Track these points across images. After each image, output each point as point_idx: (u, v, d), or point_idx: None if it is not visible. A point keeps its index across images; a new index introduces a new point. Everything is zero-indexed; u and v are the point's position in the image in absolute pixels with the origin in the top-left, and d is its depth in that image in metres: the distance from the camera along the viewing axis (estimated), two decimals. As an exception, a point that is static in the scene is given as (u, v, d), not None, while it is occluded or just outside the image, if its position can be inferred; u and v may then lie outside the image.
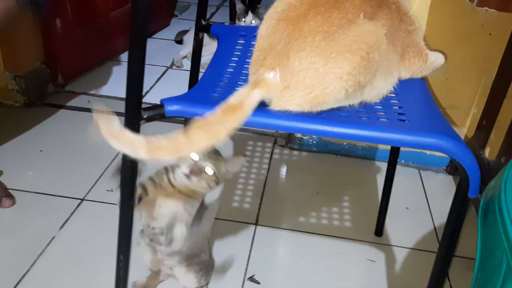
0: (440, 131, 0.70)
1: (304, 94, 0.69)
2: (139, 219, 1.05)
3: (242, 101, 0.69)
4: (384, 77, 0.75)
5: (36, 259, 1.21)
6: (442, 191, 1.59)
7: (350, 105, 0.76)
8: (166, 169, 1.00)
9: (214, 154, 0.98)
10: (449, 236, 0.75)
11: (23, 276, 1.16)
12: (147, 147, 0.66)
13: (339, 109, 0.74)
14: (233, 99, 0.70)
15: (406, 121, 0.74)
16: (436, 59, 0.88)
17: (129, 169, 0.76)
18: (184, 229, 1.01)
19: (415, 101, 0.83)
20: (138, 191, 0.97)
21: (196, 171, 0.95)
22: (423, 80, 0.91)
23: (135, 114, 0.71)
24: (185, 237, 1.00)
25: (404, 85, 0.84)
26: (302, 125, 0.70)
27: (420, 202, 1.53)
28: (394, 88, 0.79)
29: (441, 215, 1.47)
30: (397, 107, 0.79)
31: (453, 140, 0.67)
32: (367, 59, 0.69)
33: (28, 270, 1.18)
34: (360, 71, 0.69)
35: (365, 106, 0.78)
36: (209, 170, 0.96)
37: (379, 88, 0.75)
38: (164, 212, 1.00)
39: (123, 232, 0.84)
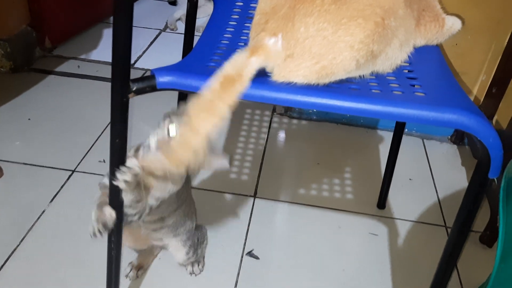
0: (460, 105, 0.63)
1: (310, 65, 0.62)
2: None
3: (240, 71, 0.62)
4: (400, 46, 0.67)
5: (25, 234, 1.17)
6: (446, 161, 1.54)
7: (360, 76, 0.69)
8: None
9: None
10: (463, 219, 0.69)
11: (12, 252, 1.12)
12: (169, 159, 0.62)
13: (348, 80, 0.67)
14: (229, 68, 0.63)
15: (422, 94, 0.67)
16: (453, 24, 0.80)
17: (118, 146, 0.69)
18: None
19: (430, 71, 0.76)
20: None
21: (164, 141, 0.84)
22: (438, 47, 0.83)
23: (123, 86, 0.64)
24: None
25: (417, 53, 0.76)
26: (308, 99, 0.63)
27: (424, 173, 1.48)
28: (409, 57, 0.72)
29: (446, 187, 1.43)
30: (412, 78, 0.72)
31: (475, 116, 0.61)
32: (382, 25, 0.61)
33: (18, 245, 1.14)
34: (374, 39, 0.61)
35: (377, 76, 0.71)
36: (172, 130, 0.85)
37: (394, 57, 0.68)
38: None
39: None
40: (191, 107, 0.62)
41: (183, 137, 0.62)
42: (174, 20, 2.24)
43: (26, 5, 1.79)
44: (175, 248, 1.06)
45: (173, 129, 0.85)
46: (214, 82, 0.62)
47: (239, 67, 0.62)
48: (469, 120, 0.61)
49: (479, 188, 0.66)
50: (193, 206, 1.09)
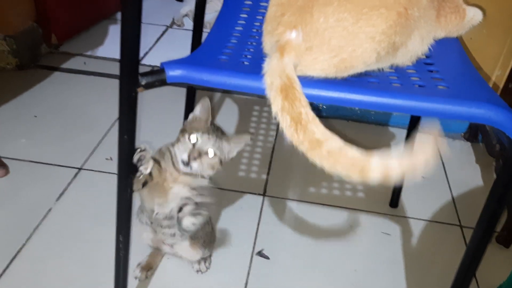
0: (487, 99, 0.60)
1: (329, 58, 0.59)
2: (141, 202, 0.98)
3: (287, 75, 0.59)
4: (421, 37, 0.64)
5: (31, 233, 1.15)
6: (460, 159, 1.50)
7: (379, 69, 0.66)
8: (169, 150, 0.92)
9: (215, 133, 0.89)
10: (488, 221, 0.66)
11: (18, 251, 1.10)
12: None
13: (367, 73, 0.65)
14: (276, 79, 0.59)
15: (445, 88, 0.64)
16: (474, 15, 0.77)
17: (126, 143, 0.67)
18: (193, 219, 0.91)
19: (452, 64, 0.73)
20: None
21: (195, 155, 0.86)
22: (457, 39, 0.80)
23: (131, 81, 0.62)
24: (194, 224, 0.91)
25: (437, 46, 0.73)
26: (326, 93, 0.60)
27: (437, 171, 1.45)
28: (429, 49, 0.69)
29: (459, 185, 1.39)
30: (433, 71, 0.69)
31: (503, 111, 0.58)
32: (405, 16, 0.58)
33: (24, 244, 1.12)
34: (396, 30, 0.58)
35: (396, 70, 0.68)
36: (211, 152, 0.88)
37: (414, 50, 0.65)
38: (170, 200, 0.91)
39: (122, 211, 0.76)
40: (290, 138, 0.58)
41: (324, 158, 0.58)
42: (180, 16, 2.21)
43: (32, 1, 1.76)
44: (190, 250, 1.04)
45: (193, 137, 0.87)
46: (277, 101, 0.58)
47: (282, 72, 0.59)
48: (497, 114, 0.58)
49: (505, 187, 0.63)
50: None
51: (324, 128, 0.58)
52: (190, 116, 0.90)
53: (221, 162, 0.90)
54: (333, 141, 0.58)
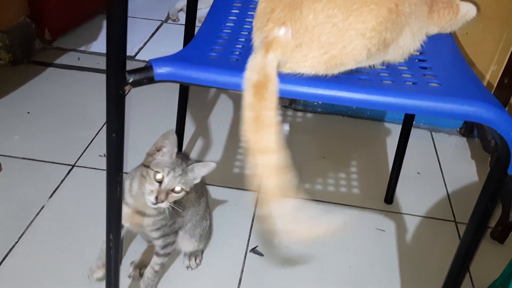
0: (478, 97, 0.59)
1: (319, 54, 0.58)
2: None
3: (265, 72, 0.59)
4: (412, 34, 0.64)
5: (24, 230, 1.14)
6: (455, 154, 1.50)
7: (370, 66, 0.65)
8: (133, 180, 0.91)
9: (180, 167, 0.87)
10: (480, 217, 0.66)
11: (11, 249, 1.10)
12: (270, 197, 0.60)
13: (357, 70, 0.64)
14: (253, 75, 0.59)
15: (437, 85, 0.63)
16: (468, 11, 0.76)
17: (114, 142, 0.66)
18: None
19: (445, 61, 0.72)
20: None
21: (162, 198, 0.85)
22: (451, 35, 0.79)
23: (119, 78, 0.61)
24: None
25: (430, 42, 0.72)
26: (316, 91, 0.59)
27: (432, 167, 1.44)
28: (421, 45, 0.68)
29: (455, 181, 1.39)
30: (425, 68, 0.68)
31: (494, 109, 0.57)
32: (395, 12, 0.57)
33: (17, 241, 1.11)
34: (386, 26, 0.58)
35: (388, 66, 0.67)
36: (178, 188, 0.87)
37: (406, 46, 0.64)
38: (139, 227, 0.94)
39: (111, 210, 0.75)
40: (244, 133, 0.59)
41: (260, 166, 0.58)
42: (176, 11, 2.20)
43: (25, -4, 1.75)
44: (186, 242, 1.05)
45: (159, 176, 0.85)
46: (247, 96, 0.59)
47: (262, 69, 0.59)
48: (488, 112, 0.57)
49: (497, 184, 0.63)
50: (207, 206, 1.09)
51: (275, 139, 0.58)
52: (153, 147, 0.88)
53: (187, 191, 0.89)
54: (272, 158, 0.59)
